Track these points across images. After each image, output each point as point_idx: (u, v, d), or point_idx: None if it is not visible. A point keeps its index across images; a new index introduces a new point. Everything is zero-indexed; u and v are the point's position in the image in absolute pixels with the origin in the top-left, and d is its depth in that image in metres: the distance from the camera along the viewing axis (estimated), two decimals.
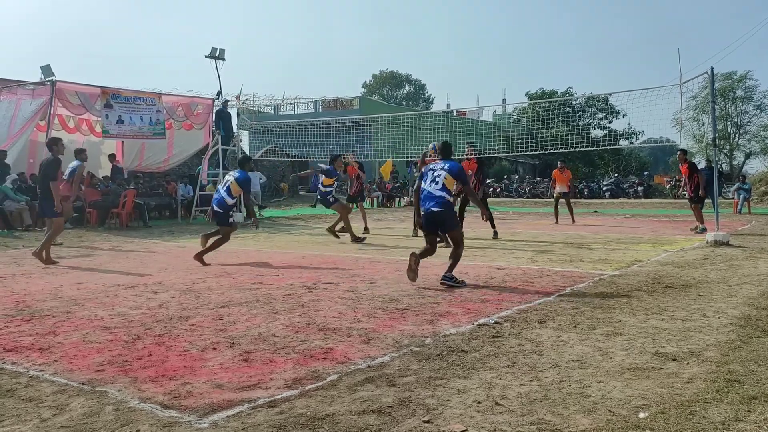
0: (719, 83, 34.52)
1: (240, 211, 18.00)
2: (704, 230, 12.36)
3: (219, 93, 19.10)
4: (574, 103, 41.89)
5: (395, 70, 73.29)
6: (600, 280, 7.04)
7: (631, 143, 40.14)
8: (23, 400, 3.40)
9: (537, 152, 19.27)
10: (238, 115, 21.38)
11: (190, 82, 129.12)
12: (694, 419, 2.98)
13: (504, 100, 57.40)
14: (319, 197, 13.59)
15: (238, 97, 20.23)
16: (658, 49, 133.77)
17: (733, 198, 21.76)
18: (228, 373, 3.80)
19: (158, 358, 4.13)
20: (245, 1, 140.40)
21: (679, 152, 15.22)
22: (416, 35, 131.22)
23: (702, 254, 9.24)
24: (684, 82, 12.35)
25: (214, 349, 4.35)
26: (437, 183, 7.12)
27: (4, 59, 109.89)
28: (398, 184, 30.36)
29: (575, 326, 4.88)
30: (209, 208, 10.78)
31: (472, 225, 12.53)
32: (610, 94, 43.79)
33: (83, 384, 3.61)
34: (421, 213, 7.26)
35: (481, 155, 14.16)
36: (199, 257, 8.78)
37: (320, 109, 40.14)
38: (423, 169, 7.69)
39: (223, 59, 19.43)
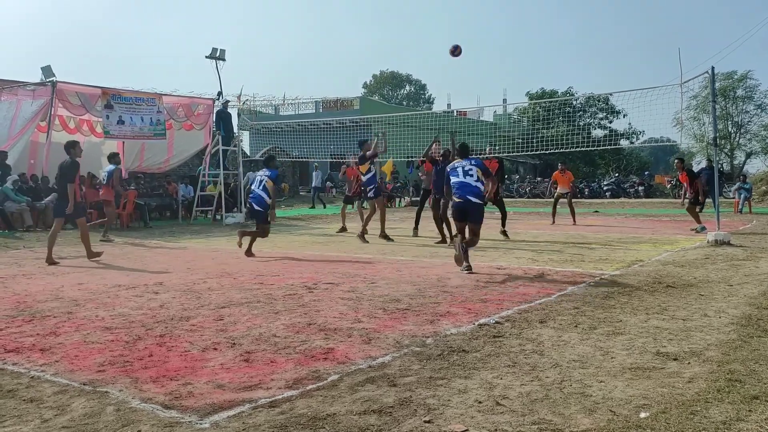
0: (720, 83, 34.49)
1: (241, 212, 18.06)
2: (704, 229, 12.35)
3: (219, 93, 19.11)
4: (574, 103, 41.88)
5: (396, 70, 73.38)
6: (601, 280, 7.03)
7: (631, 143, 40.13)
8: (24, 400, 3.40)
9: (538, 152, 19.26)
10: (239, 115, 21.36)
11: (190, 82, 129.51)
12: (696, 419, 2.98)
13: (504, 100, 57.50)
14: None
15: (238, 98, 20.21)
16: (658, 49, 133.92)
17: (734, 198, 21.75)
18: (229, 373, 3.80)
19: (159, 359, 4.13)
20: (245, 1, 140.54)
21: (676, 161, 15.27)
22: (416, 35, 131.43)
23: (703, 254, 9.24)
24: (684, 82, 12.34)
25: (215, 349, 4.35)
26: (472, 175, 7.78)
27: (4, 60, 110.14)
28: (399, 185, 30.38)
29: (576, 326, 4.88)
30: (248, 205, 11.19)
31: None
32: (610, 94, 43.71)
33: (84, 384, 3.62)
34: (454, 201, 7.93)
35: (500, 155, 14.21)
36: (248, 253, 9.56)
37: (321, 110, 40.14)
38: (448, 168, 8.26)
39: (224, 60, 19.45)
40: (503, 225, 12.17)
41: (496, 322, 5.00)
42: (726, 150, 38.50)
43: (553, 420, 3.01)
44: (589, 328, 4.82)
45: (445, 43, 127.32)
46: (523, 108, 44.69)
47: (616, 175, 35.96)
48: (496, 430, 2.91)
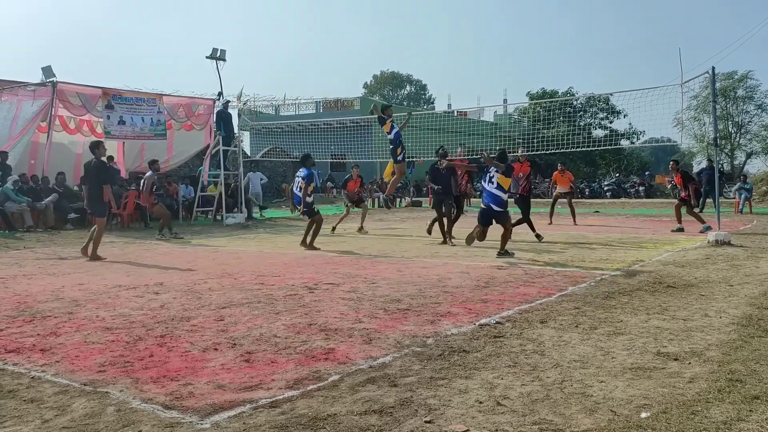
0: (720, 83, 34.49)
1: (241, 212, 18.06)
2: (709, 228, 12.14)
3: (220, 94, 19.10)
4: (575, 103, 41.83)
5: (396, 71, 73.41)
6: (601, 280, 7.03)
7: (632, 143, 40.11)
8: (25, 401, 3.40)
9: (538, 152, 19.22)
10: (239, 115, 21.34)
11: (190, 82, 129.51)
12: (696, 419, 2.98)
13: (505, 101, 57.51)
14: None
15: (238, 98, 20.19)
16: (658, 49, 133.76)
17: (734, 198, 21.73)
18: (229, 373, 3.80)
19: (160, 359, 4.13)
20: (245, 1, 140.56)
21: (671, 162, 15.30)
22: (417, 35, 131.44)
23: (703, 254, 9.23)
24: (685, 82, 12.34)
25: (216, 349, 4.35)
26: (492, 182, 8.90)
27: (4, 60, 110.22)
28: (399, 185, 30.34)
29: (577, 326, 4.88)
30: (291, 204, 12.42)
31: (473, 225, 12.50)
32: (611, 94, 43.69)
33: (85, 385, 3.62)
34: (481, 206, 9.35)
35: (530, 156, 14.14)
36: (311, 247, 10.48)
37: (321, 110, 40.14)
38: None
39: (224, 60, 19.42)
40: (532, 229, 11.83)
41: (497, 323, 5.00)
42: (726, 150, 38.48)
43: (553, 420, 3.00)
44: (590, 328, 4.82)
45: (445, 43, 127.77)
46: (523, 108, 44.67)
47: (617, 175, 35.92)
48: (496, 430, 2.91)
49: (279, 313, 5.46)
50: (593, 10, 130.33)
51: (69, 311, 5.69)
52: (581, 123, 40.92)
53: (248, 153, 32.89)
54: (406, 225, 16.14)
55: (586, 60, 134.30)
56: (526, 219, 11.93)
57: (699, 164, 36.14)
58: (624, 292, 6.29)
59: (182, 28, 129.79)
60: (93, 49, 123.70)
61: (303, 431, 2.92)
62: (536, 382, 3.57)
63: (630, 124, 38.43)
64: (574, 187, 17.75)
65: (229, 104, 19.02)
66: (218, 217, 17.78)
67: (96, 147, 9.89)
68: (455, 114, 33.11)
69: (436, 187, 11.45)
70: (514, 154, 13.34)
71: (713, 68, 11.11)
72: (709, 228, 12.29)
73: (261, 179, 21.22)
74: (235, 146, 19.51)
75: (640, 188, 31.30)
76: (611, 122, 43.77)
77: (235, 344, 4.46)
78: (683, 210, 13.71)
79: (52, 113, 15.29)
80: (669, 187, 31.90)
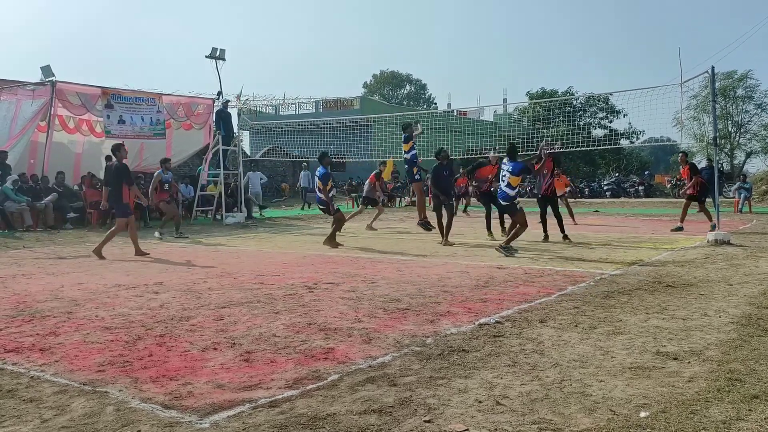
0: (720, 82, 34.42)
1: (241, 211, 18.06)
2: (715, 227, 12.04)
3: (219, 93, 19.10)
4: (574, 102, 41.78)
5: (396, 70, 73.35)
6: (601, 280, 7.03)
7: (631, 143, 40.03)
8: (24, 400, 3.40)
9: (538, 152, 19.21)
10: (239, 115, 21.34)
11: (190, 82, 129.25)
12: (695, 418, 2.98)
13: (505, 100, 57.50)
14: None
15: (238, 98, 20.18)
16: (658, 49, 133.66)
17: (734, 197, 21.74)
18: (229, 373, 3.80)
19: (159, 359, 4.13)
20: (245, 1, 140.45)
21: (680, 154, 15.27)
22: (416, 35, 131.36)
23: (703, 253, 9.23)
24: (684, 82, 12.34)
25: (215, 349, 4.35)
26: (504, 181, 9.66)
27: (4, 60, 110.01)
28: (399, 184, 30.35)
29: (576, 326, 4.88)
30: (317, 204, 12.26)
31: (473, 225, 12.52)
32: (610, 94, 43.65)
33: (84, 384, 3.62)
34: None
35: (553, 152, 13.86)
36: (332, 244, 10.85)
37: (321, 109, 40.11)
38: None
39: (224, 59, 19.41)
40: (562, 230, 11.56)
41: (497, 322, 5.00)
42: (726, 150, 38.46)
43: (553, 419, 3.00)
44: (589, 327, 4.82)
45: (446, 43, 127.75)
46: (523, 108, 44.62)
47: (617, 174, 35.89)
48: (496, 429, 2.91)
49: (278, 313, 5.46)
50: (593, 10, 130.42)
51: (68, 311, 5.69)
52: (581, 122, 40.89)
53: (248, 152, 32.89)
54: (407, 225, 16.13)
55: (585, 60, 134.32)
56: (543, 219, 11.93)
57: (699, 164, 36.01)
58: (623, 291, 6.29)
59: (182, 28, 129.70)
60: (93, 49, 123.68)
61: (302, 431, 2.92)
62: (535, 381, 3.57)
63: (629, 123, 38.41)
64: (574, 187, 17.73)
65: (229, 104, 19.01)
66: (218, 217, 17.77)
67: (117, 150, 10.14)
68: (455, 113, 33.10)
69: (438, 193, 11.41)
70: (493, 154, 13.56)
71: (713, 68, 11.10)
72: (715, 227, 12.26)
73: (261, 179, 21.22)
74: (235, 146, 19.51)
75: (640, 188, 31.29)
76: (611, 122, 43.75)
77: (234, 344, 4.46)
78: (692, 209, 13.61)
79: (52, 113, 15.28)
80: (669, 187, 31.92)
